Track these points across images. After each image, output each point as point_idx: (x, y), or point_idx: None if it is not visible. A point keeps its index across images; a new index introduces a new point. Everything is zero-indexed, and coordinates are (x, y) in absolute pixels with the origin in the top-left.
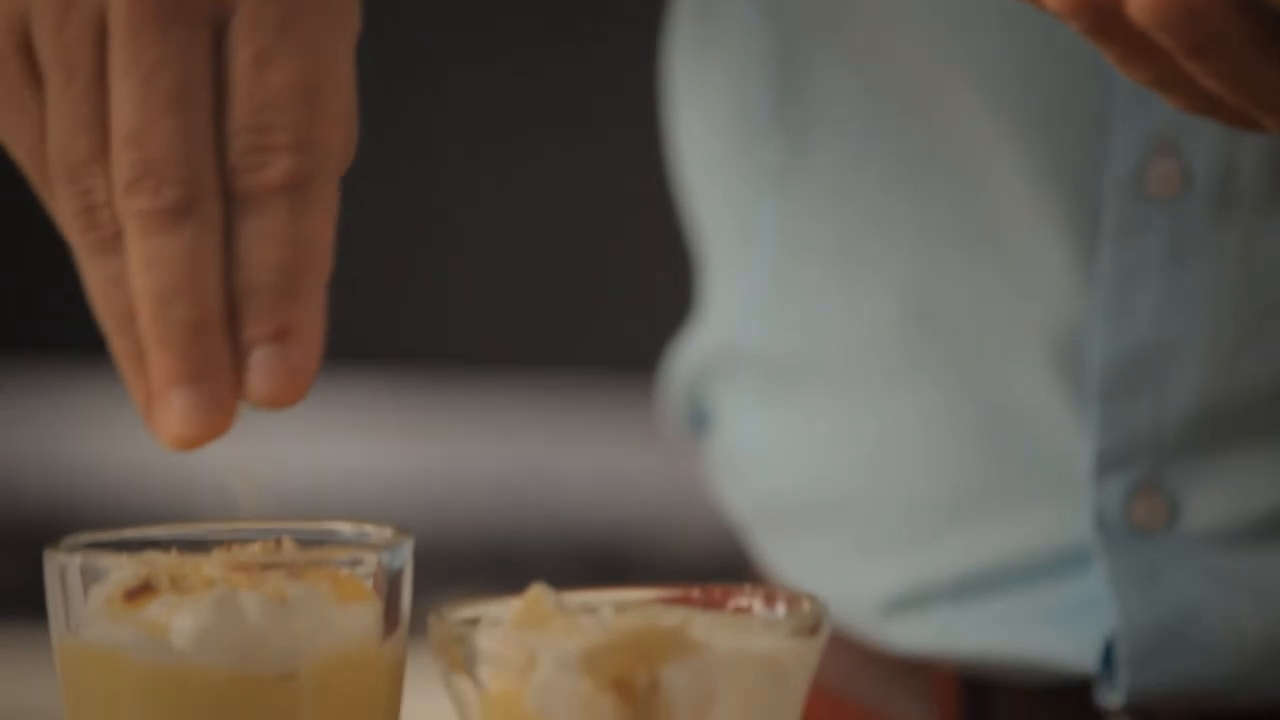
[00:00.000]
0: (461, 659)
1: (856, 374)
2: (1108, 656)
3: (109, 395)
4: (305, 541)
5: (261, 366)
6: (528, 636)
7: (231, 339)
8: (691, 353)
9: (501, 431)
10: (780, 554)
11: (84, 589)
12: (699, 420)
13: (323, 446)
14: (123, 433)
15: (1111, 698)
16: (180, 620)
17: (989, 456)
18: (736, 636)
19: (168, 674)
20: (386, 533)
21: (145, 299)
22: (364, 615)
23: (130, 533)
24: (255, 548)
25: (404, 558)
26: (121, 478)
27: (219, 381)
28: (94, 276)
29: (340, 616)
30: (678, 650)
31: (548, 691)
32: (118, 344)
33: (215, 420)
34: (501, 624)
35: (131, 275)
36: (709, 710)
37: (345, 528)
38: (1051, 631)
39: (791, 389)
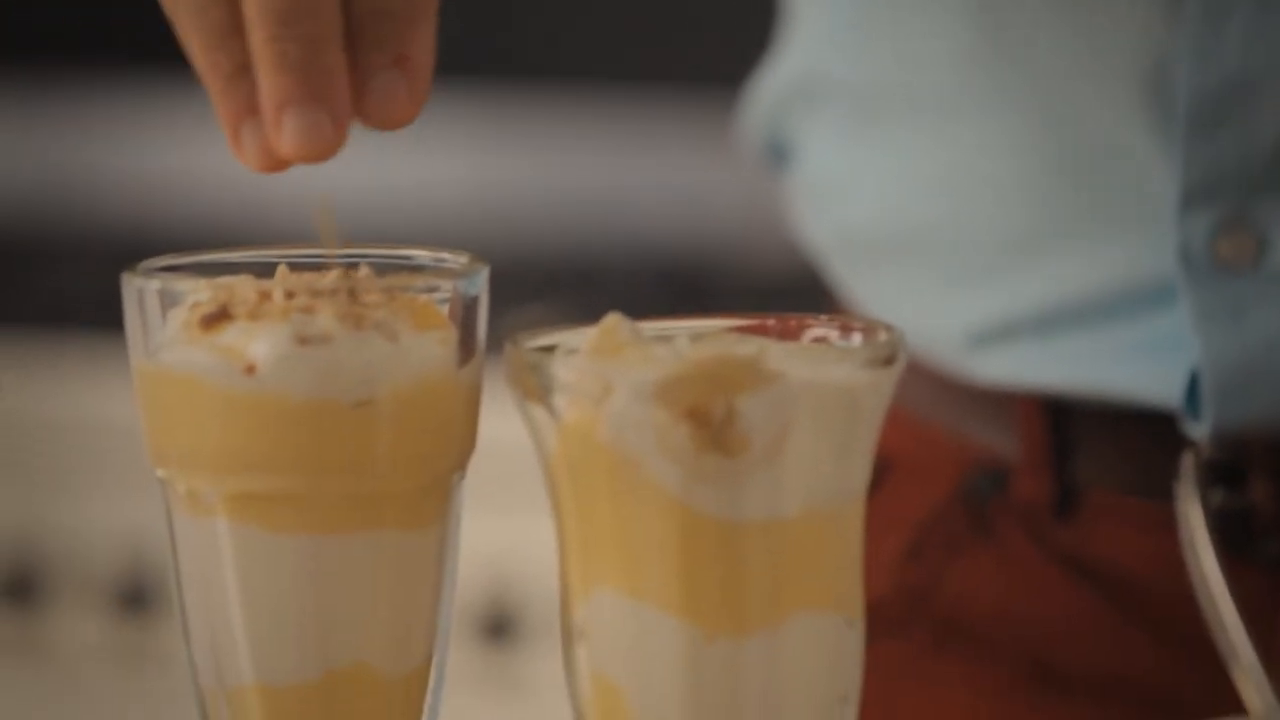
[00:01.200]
0: (537, 388)
1: (942, 104)
2: (1192, 391)
3: (192, 113)
4: (382, 268)
5: (382, 91)
6: (603, 365)
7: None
8: (774, 81)
9: (579, 150)
10: (862, 286)
11: (161, 313)
12: (779, 151)
13: (399, 169)
14: (205, 152)
15: (1197, 430)
16: (257, 346)
17: (1073, 188)
18: (812, 366)
19: (245, 399)
20: (463, 259)
21: (265, 17)
22: (440, 342)
23: (208, 256)
24: (333, 274)
25: (480, 285)
26: (201, 199)
27: (336, 102)
28: None
29: (417, 344)
30: (753, 380)
31: (622, 420)
32: (208, 59)
33: (330, 140)
34: (577, 353)
35: None
36: (784, 439)
37: (422, 254)
38: (1134, 366)
39: (876, 119)
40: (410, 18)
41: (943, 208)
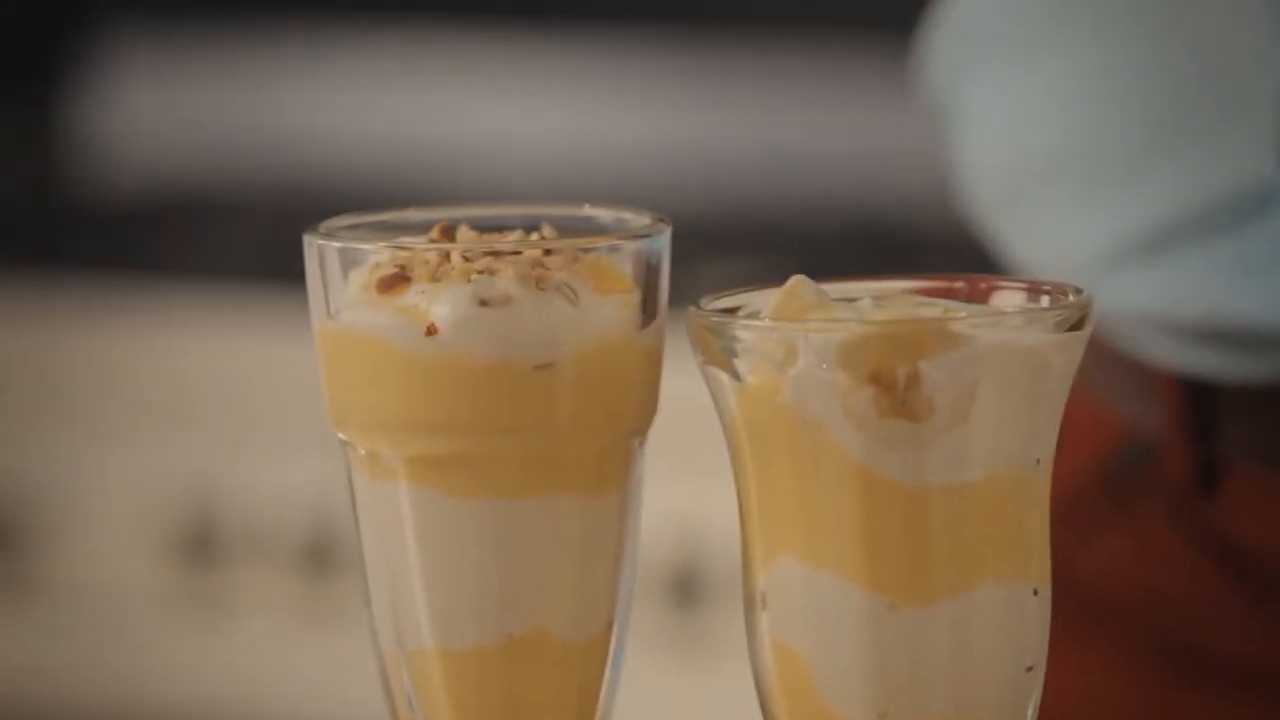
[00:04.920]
0: (719, 351)
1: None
2: None
3: (372, 72)
4: (563, 228)
5: None
6: (786, 329)
7: None
8: (936, 36)
9: (767, 104)
10: (1012, 229)
11: (343, 273)
12: (944, 111)
13: (581, 123)
14: (387, 109)
15: None
16: (438, 308)
17: (1191, 90)
18: (999, 329)
19: (426, 360)
20: (645, 219)
21: None
22: (622, 305)
23: (389, 215)
24: (515, 235)
25: (662, 246)
26: (382, 159)
27: None
28: None
29: (598, 306)
30: (938, 343)
31: (805, 384)
32: None
33: None
34: (760, 316)
35: None
36: (970, 404)
37: (604, 214)
38: (1259, 281)
39: (1026, 52)
40: None
41: (1073, 125)
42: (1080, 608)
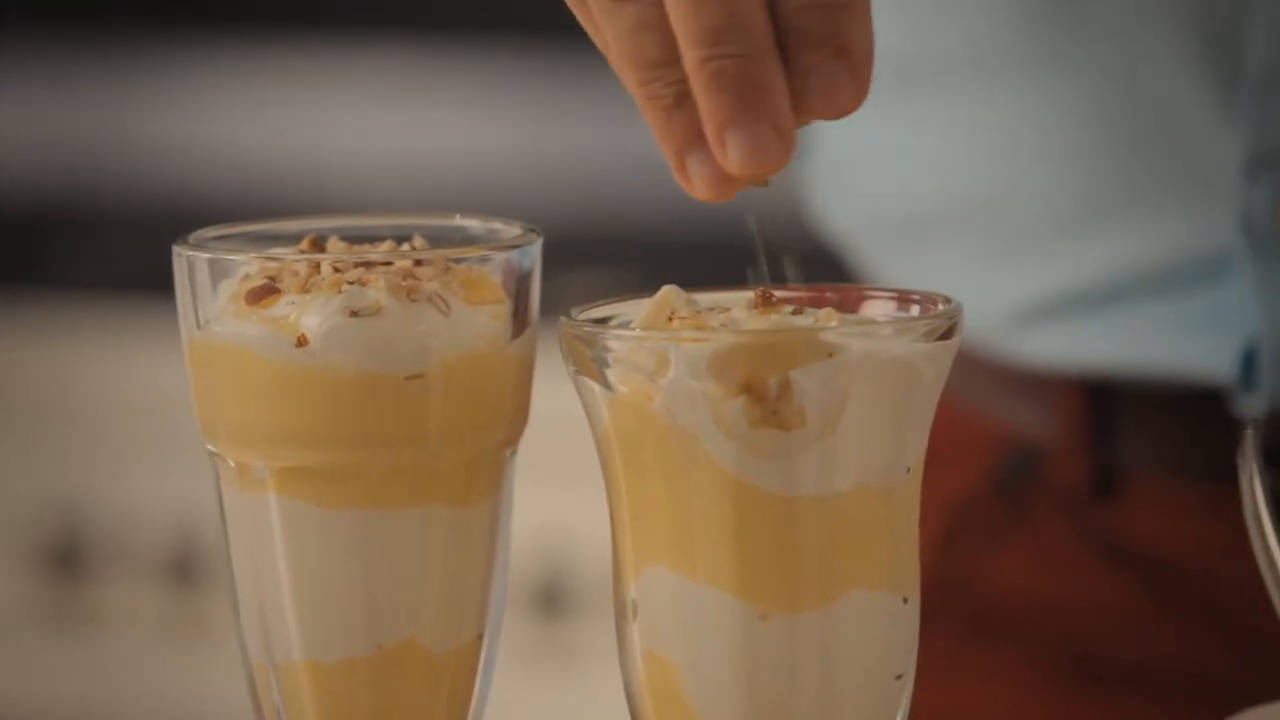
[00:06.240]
0: (590, 361)
1: (989, 72)
2: (1246, 366)
3: (241, 82)
4: (434, 239)
5: (823, 86)
6: (657, 339)
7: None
8: None
9: (633, 114)
10: (895, 267)
11: (212, 285)
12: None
13: (450, 134)
14: (259, 122)
15: (1251, 408)
16: (308, 319)
17: (1128, 157)
18: (869, 339)
19: (296, 371)
20: (516, 230)
21: (697, 37)
22: (493, 315)
23: (258, 226)
24: (386, 245)
25: (533, 256)
26: (251, 169)
27: (779, 114)
28: (619, 24)
29: (469, 316)
30: (809, 353)
31: (676, 394)
32: (645, 92)
33: (776, 155)
34: (631, 326)
35: (677, 20)
36: (840, 413)
37: (475, 224)
38: (1186, 341)
39: (916, 91)
40: (843, 3)
41: (988, 180)
42: (980, 618)
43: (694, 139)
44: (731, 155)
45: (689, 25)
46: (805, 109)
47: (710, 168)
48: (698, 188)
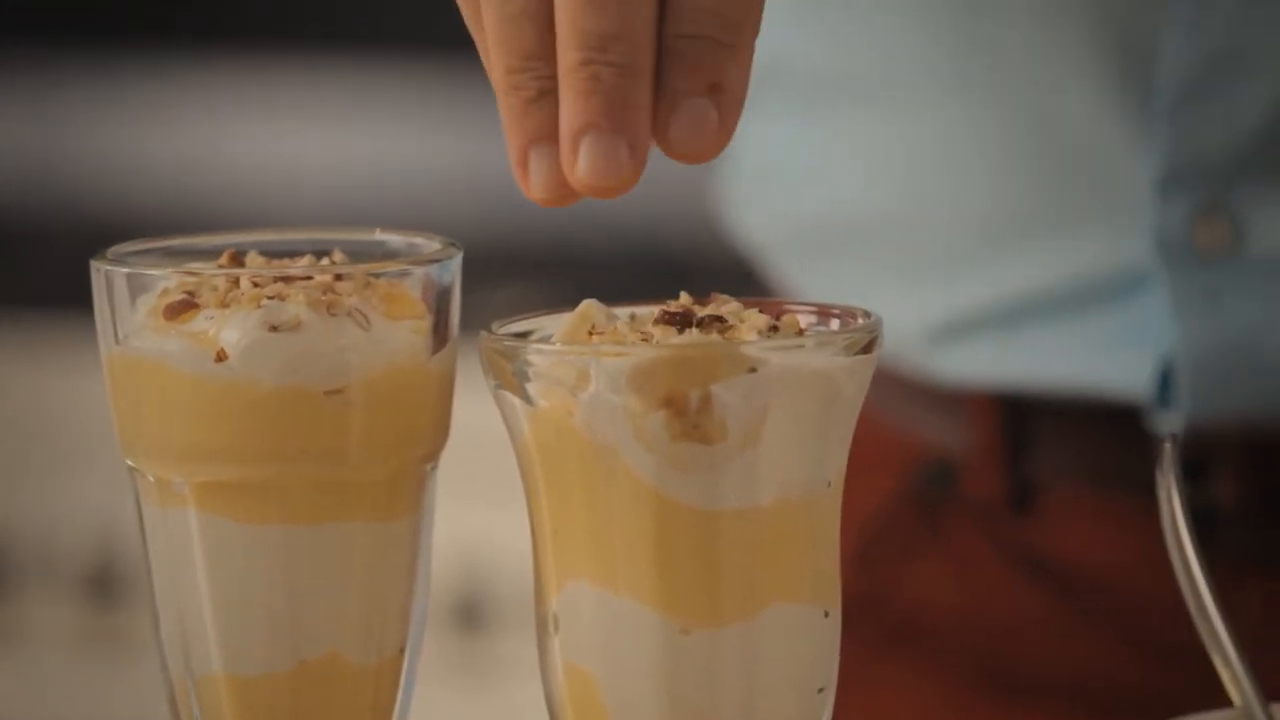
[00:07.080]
0: (511, 375)
1: (903, 88)
2: (1163, 383)
3: (163, 96)
4: (354, 253)
5: (689, 121)
6: (578, 353)
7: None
8: None
9: None
10: (812, 280)
11: (131, 300)
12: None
13: (371, 149)
14: (177, 136)
15: (1168, 423)
16: (227, 334)
17: (1042, 175)
18: (790, 353)
19: (215, 386)
20: (436, 244)
21: (579, 41)
22: (413, 330)
23: (176, 241)
24: (305, 260)
25: (453, 271)
26: (169, 185)
27: (638, 133)
28: (503, 8)
29: (390, 331)
30: (730, 366)
31: (597, 408)
32: (510, 81)
33: (625, 173)
34: (551, 340)
35: (564, 17)
36: (761, 427)
37: (395, 239)
38: (1101, 358)
39: (833, 105)
40: (729, 43)
41: (903, 197)
42: (898, 629)
43: (544, 137)
44: (581, 163)
45: (576, 26)
46: (664, 138)
47: (552, 169)
48: (535, 186)
